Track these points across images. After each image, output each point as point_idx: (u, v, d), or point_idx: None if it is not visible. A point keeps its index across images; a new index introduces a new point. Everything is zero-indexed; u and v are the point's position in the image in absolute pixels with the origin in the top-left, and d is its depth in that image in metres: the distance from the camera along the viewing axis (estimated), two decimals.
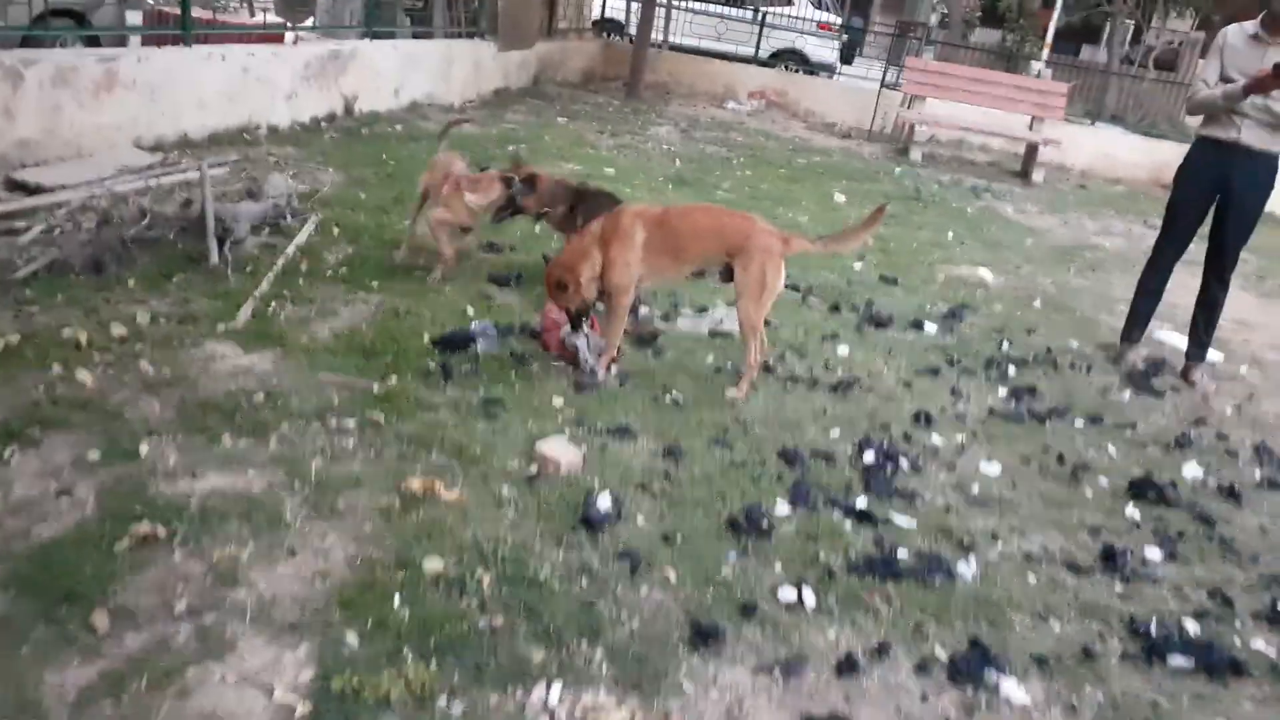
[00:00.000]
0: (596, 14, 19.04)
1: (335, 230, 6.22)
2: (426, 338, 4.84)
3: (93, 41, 7.73)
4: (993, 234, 9.40)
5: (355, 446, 3.73)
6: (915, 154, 13.12)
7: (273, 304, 4.96)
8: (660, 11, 16.71)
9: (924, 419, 4.87)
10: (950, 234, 9.05)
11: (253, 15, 11.99)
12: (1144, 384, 5.82)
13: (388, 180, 7.64)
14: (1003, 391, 5.42)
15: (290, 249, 5.70)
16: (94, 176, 6.16)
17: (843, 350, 5.63)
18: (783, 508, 3.79)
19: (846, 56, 21.33)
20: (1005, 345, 6.13)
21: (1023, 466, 4.57)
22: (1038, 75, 19.22)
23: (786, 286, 6.31)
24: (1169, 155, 14.47)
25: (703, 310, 5.93)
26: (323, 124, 9.17)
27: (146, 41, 8.24)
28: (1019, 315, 6.85)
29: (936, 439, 4.71)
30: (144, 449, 3.44)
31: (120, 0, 9.06)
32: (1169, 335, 6.71)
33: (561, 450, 3.79)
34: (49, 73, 6.25)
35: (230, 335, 4.53)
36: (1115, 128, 17.10)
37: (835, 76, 18.82)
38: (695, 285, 5.96)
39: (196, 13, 8.48)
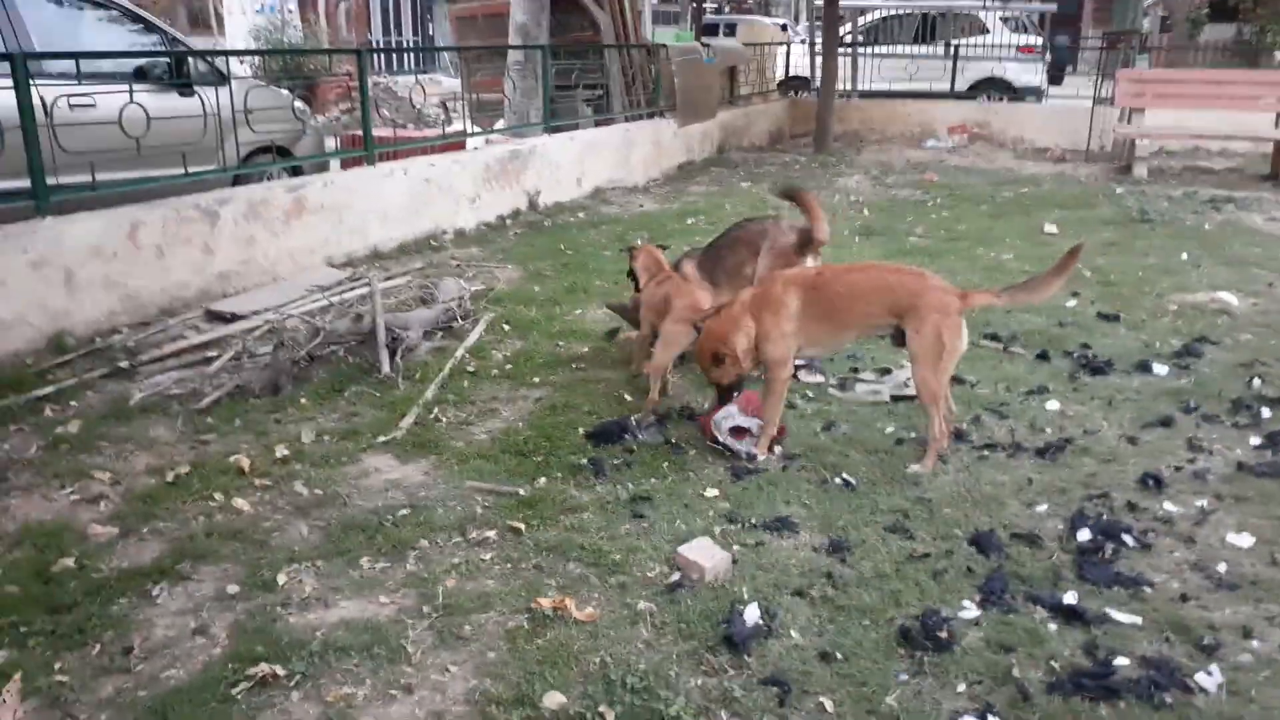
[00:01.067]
0: (782, 74, 18.87)
1: (505, 327, 6.23)
2: (582, 431, 4.65)
3: (296, 171, 8.32)
4: (1236, 250, 8.20)
5: (492, 560, 3.54)
6: (1140, 170, 11.88)
7: (435, 410, 4.95)
8: (844, 61, 16.29)
9: (1153, 482, 4.12)
10: (1184, 255, 7.97)
11: (445, 125, 12.65)
12: None
13: (564, 270, 7.66)
14: (1255, 440, 4.53)
15: (460, 351, 5.73)
16: (283, 300, 6.51)
17: (1052, 406, 4.93)
18: (969, 609, 3.23)
19: (1054, 77, 19.96)
20: (1256, 383, 5.18)
21: None
22: None
23: (985, 336, 5.75)
24: None
25: (885, 372, 5.41)
26: (507, 221, 9.41)
27: (345, 165, 8.77)
28: (1273, 344, 5.82)
29: (1170, 506, 3.95)
30: (282, 579, 3.40)
31: (318, 129, 9.76)
32: None
33: (706, 553, 3.44)
34: (242, 209, 6.72)
35: (389, 446, 4.53)
36: None
37: (1043, 100, 17.58)
38: (876, 344, 5.47)
39: (381, 131, 8.97)
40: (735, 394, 4.45)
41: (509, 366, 5.56)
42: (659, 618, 3.17)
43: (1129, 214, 9.64)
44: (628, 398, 5.06)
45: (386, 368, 5.43)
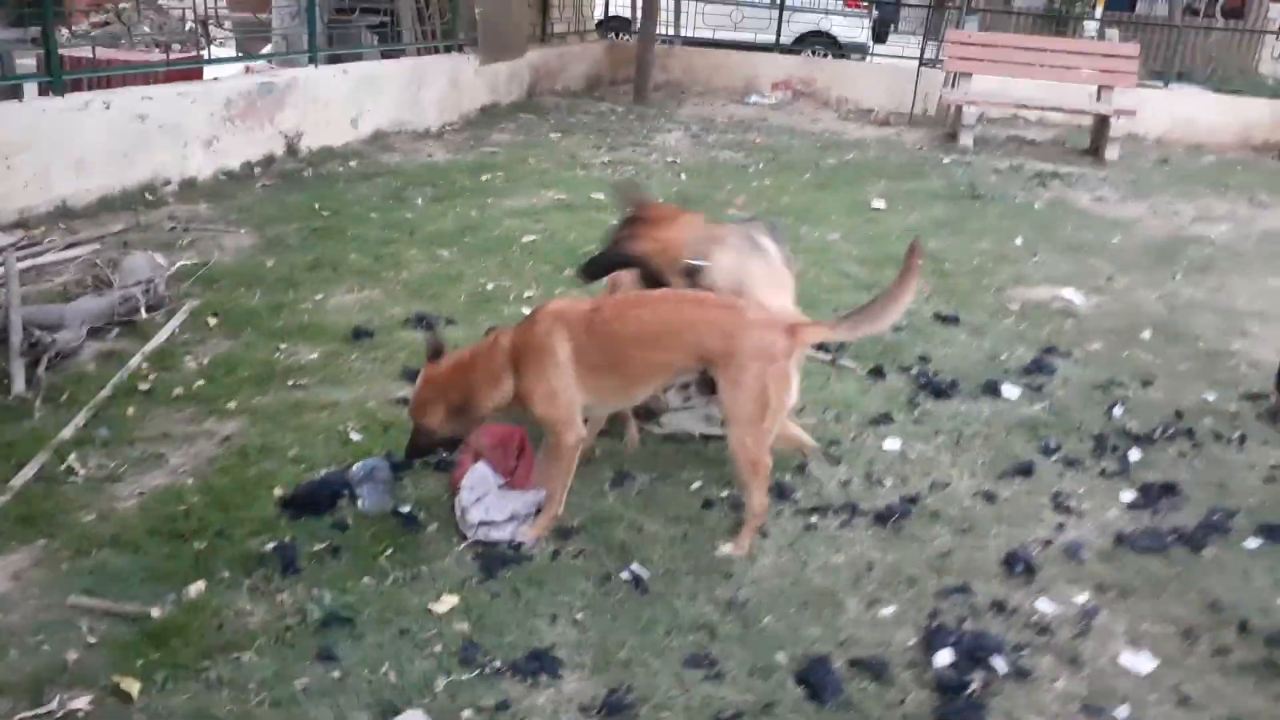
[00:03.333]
0: (600, 14, 17.50)
1: (211, 321, 4.75)
2: (277, 494, 3.33)
3: None
4: (1070, 234, 7.63)
5: None
6: (965, 139, 11.34)
7: (72, 455, 3.50)
8: (668, 3, 15.13)
9: (1022, 567, 3.23)
10: (1018, 240, 7.31)
11: (206, 48, 10.62)
12: None
13: (312, 237, 6.17)
14: (1127, 494, 3.74)
15: (135, 360, 4.23)
16: None
17: (892, 446, 4.00)
18: None
19: (880, 34, 19.49)
20: (1118, 411, 4.43)
21: (1184, 647, 2.91)
22: (1098, 37, 17.20)
23: (812, 346, 4.76)
24: (1255, 113, 12.57)
25: (687, 386, 4.30)
26: (255, 170, 7.74)
27: (42, 92, 6.86)
28: (1126, 356, 5.13)
29: (1044, 605, 3.07)
30: None
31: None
32: None
33: None
34: None
35: None
36: (1191, 87, 15.06)
37: (868, 58, 17.04)
38: None
39: (81, 52, 7.08)
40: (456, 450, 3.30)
41: (200, 383, 4.12)
42: None
43: (958, 188, 8.98)
44: (355, 438, 3.75)
45: (19, 385, 3.91)
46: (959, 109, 11.59)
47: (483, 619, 2.80)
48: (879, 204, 8.21)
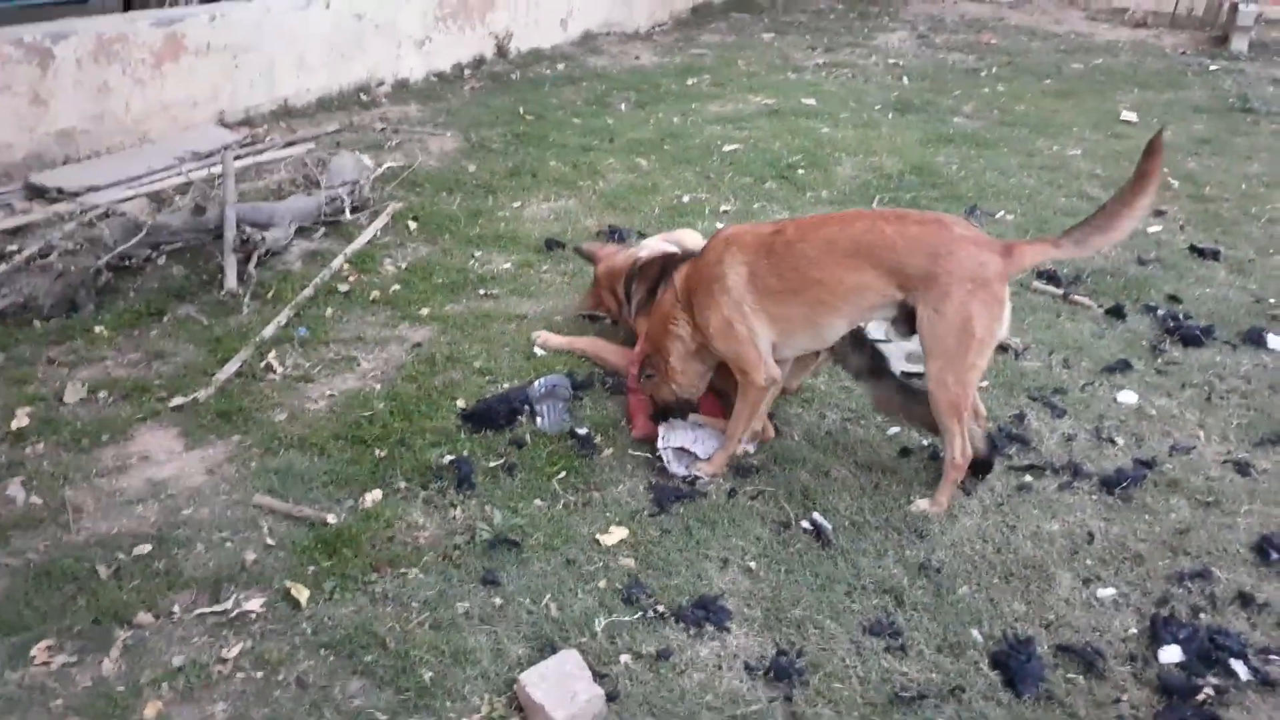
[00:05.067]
0: None
1: (411, 225, 4.78)
2: (459, 405, 3.30)
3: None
4: None
5: (231, 667, 2.26)
6: (1238, 42, 9.87)
7: (271, 353, 3.60)
8: None
9: (1277, 553, 2.75)
10: None
11: None
12: None
13: (513, 143, 6.10)
14: None
15: (338, 261, 4.32)
16: (144, 170, 5.08)
17: (1127, 399, 3.51)
18: None
19: None
20: None
21: None
22: None
23: (1039, 276, 4.30)
24: None
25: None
26: (465, 71, 7.76)
27: None
28: None
29: None
30: None
31: None
32: None
33: (563, 691, 2.13)
34: (89, 46, 5.20)
35: (182, 414, 3.21)
36: None
37: None
38: None
39: None
40: (682, 418, 3.10)
41: (396, 288, 4.15)
42: None
43: (1226, 100, 7.83)
44: (538, 352, 3.67)
45: (230, 280, 4.06)
46: (1233, 7, 10.08)
47: (650, 556, 2.65)
48: (1129, 116, 7.27)
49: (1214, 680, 2.35)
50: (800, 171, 5.75)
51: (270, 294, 4.04)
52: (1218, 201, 5.54)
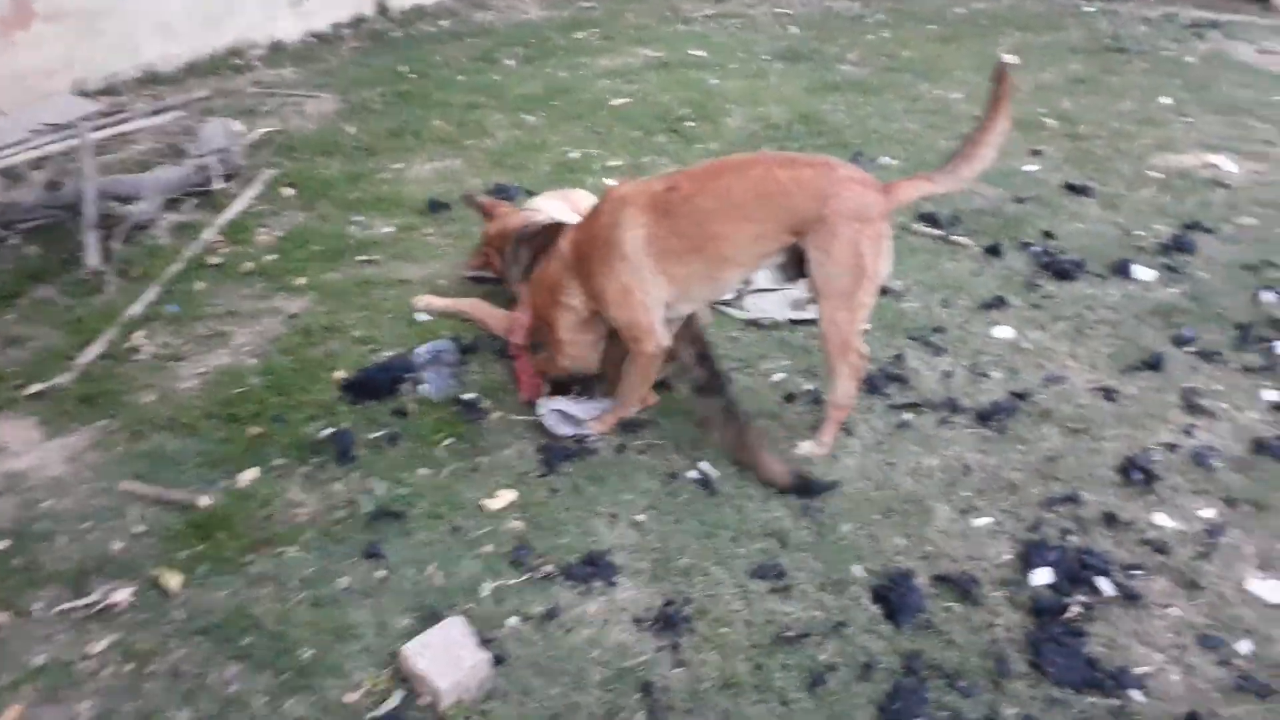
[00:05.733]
0: None
1: (287, 192, 4.61)
2: (337, 376, 3.21)
3: None
4: (1226, 92, 6.75)
5: (99, 661, 2.18)
6: None
7: (140, 332, 3.45)
8: None
9: (1140, 474, 2.87)
10: (1166, 99, 6.51)
11: None
12: None
13: (396, 102, 5.93)
14: (1270, 394, 3.30)
15: (209, 232, 4.15)
16: None
17: (1003, 333, 3.61)
18: None
19: None
20: (1267, 296, 3.89)
21: None
22: None
23: (920, 218, 4.38)
24: None
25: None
26: (344, 32, 7.50)
27: None
28: None
29: (1163, 520, 2.73)
30: None
31: None
32: None
33: (448, 658, 2.11)
34: None
35: (42, 401, 3.06)
36: None
37: None
38: None
39: None
40: (576, 391, 3.06)
41: (271, 258, 4.01)
42: None
43: (1100, 40, 8.06)
44: (421, 318, 3.59)
45: (92, 258, 3.86)
46: None
47: (539, 517, 2.64)
48: (1010, 58, 7.39)
49: (1082, 598, 2.45)
50: (689, 124, 5.73)
51: (138, 271, 3.86)
52: (1091, 140, 5.71)
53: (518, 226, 3.56)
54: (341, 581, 2.40)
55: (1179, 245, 4.30)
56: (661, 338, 2.83)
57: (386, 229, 4.31)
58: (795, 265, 2.83)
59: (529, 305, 3.05)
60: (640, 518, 2.66)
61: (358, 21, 7.68)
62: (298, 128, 5.40)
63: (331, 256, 4.04)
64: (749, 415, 2.93)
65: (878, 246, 2.74)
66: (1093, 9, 9.28)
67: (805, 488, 2.76)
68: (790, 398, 3.23)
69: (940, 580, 2.50)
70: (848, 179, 2.75)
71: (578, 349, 2.96)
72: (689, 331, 2.95)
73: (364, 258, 4.04)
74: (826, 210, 2.69)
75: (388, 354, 3.35)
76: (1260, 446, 3.02)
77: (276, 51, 6.87)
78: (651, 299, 2.78)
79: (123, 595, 2.31)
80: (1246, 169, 5.30)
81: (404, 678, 2.12)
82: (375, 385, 3.14)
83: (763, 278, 3.74)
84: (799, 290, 3.54)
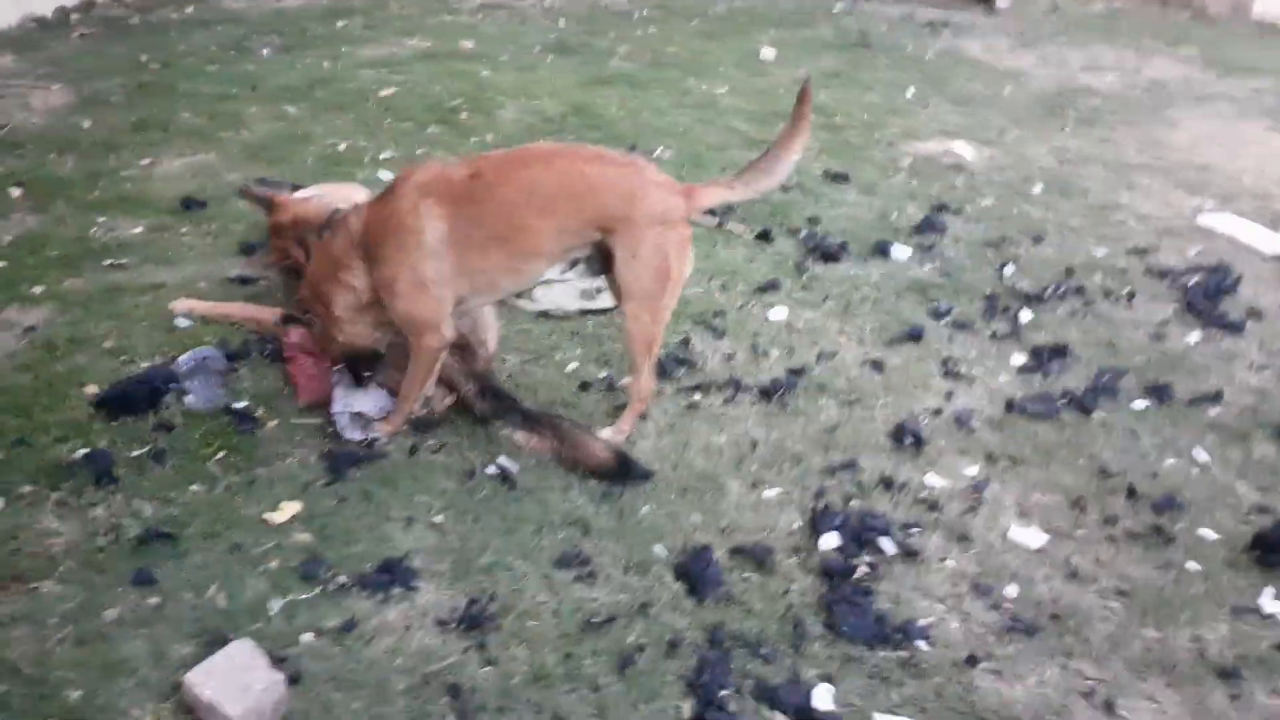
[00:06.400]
0: None
1: (14, 193, 4.14)
2: (90, 392, 2.91)
3: None
4: (961, 86, 7.39)
5: None
6: None
7: None
8: None
9: (910, 438, 3.08)
10: (910, 91, 7.04)
11: None
12: (1212, 312, 4.02)
13: (136, 95, 5.46)
14: (1019, 358, 3.63)
15: None
16: None
17: (778, 315, 3.78)
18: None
19: None
20: (1009, 270, 4.28)
21: (1074, 518, 2.83)
22: None
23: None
24: None
25: (575, 264, 3.99)
26: (72, 17, 6.83)
27: None
28: (1016, 213, 4.98)
29: (934, 480, 2.93)
30: None
31: None
32: (1224, 220, 4.89)
33: (236, 682, 1.95)
34: None
35: None
36: None
37: None
38: None
39: None
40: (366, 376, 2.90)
41: (1, 265, 3.58)
42: None
43: (849, 37, 8.60)
44: (181, 324, 3.32)
45: None
46: None
47: (327, 528, 2.50)
48: (769, 54, 7.78)
49: (867, 559, 2.59)
50: (462, 115, 5.62)
51: None
52: (846, 130, 6.07)
53: (319, 213, 3.32)
54: (109, 614, 2.18)
55: (930, 225, 4.65)
56: (446, 331, 2.75)
57: (135, 230, 3.96)
58: (599, 260, 2.81)
59: (306, 274, 2.85)
60: (438, 519, 2.58)
61: (87, 5, 7.03)
62: (23, 122, 4.87)
63: (72, 262, 3.66)
64: (552, 414, 2.91)
65: (682, 251, 2.79)
66: (839, 7, 9.89)
67: (627, 469, 2.77)
68: (585, 386, 3.23)
69: (737, 552, 2.58)
70: (654, 181, 2.77)
71: (355, 327, 2.80)
72: (467, 367, 2.88)
73: (111, 261, 3.69)
74: (634, 212, 2.69)
75: (145, 365, 3.07)
76: (1011, 406, 3.31)
77: None
78: (445, 293, 2.68)
79: None
80: (983, 155, 5.81)
81: (189, 709, 1.95)
82: (133, 399, 2.87)
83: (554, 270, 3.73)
84: (588, 281, 3.56)
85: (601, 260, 2.83)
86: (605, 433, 2.94)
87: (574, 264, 3.10)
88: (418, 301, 2.67)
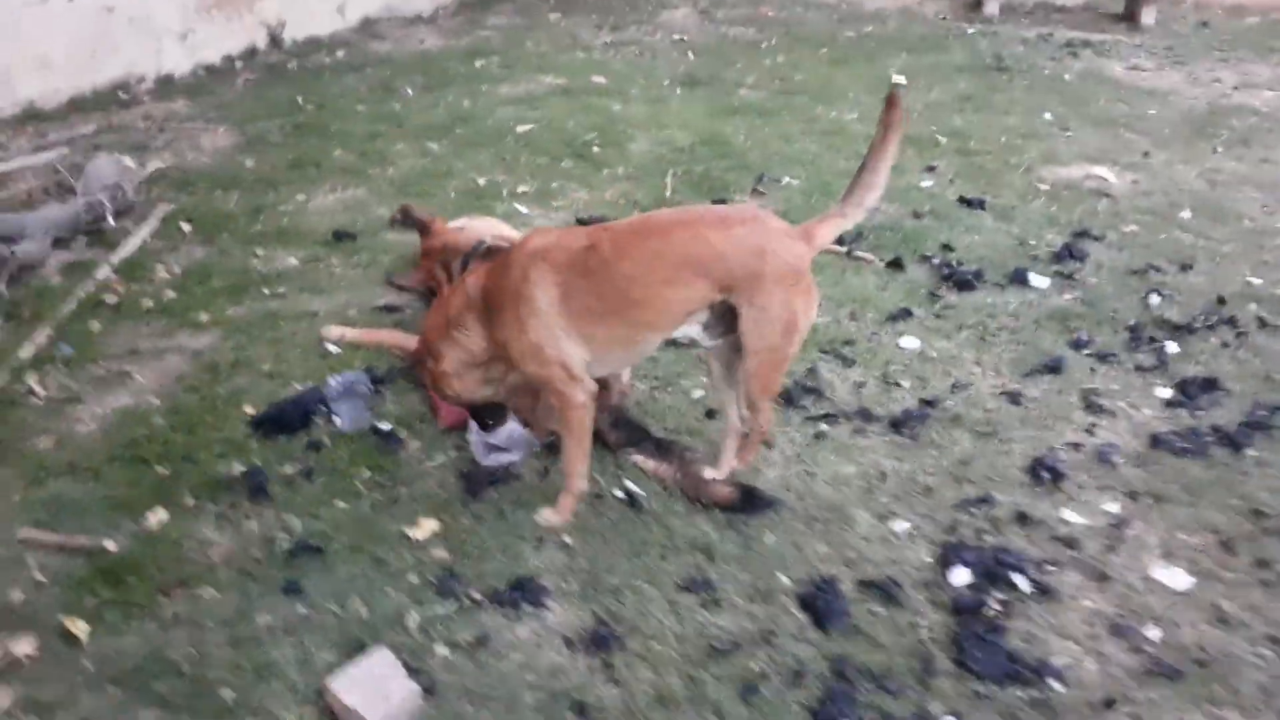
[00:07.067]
0: None
1: (185, 227, 4.48)
2: (251, 411, 3.12)
3: None
4: (1103, 107, 7.13)
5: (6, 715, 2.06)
6: (990, 7, 10.64)
7: (33, 375, 3.29)
8: None
9: (1048, 473, 2.98)
10: (1047, 114, 6.83)
11: None
12: None
13: (295, 134, 5.83)
14: (1164, 391, 3.46)
15: (102, 271, 4.00)
16: None
17: (910, 344, 3.72)
18: None
19: None
20: (1155, 299, 4.10)
21: (1223, 560, 2.67)
22: None
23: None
24: None
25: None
26: (237, 64, 7.35)
27: None
28: (1164, 239, 4.76)
29: (1071, 515, 2.83)
30: None
31: None
32: None
33: (376, 690, 2.06)
34: None
35: None
36: None
37: None
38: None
39: None
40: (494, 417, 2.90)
41: (171, 295, 3.89)
42: None
43: (983, 61, 8.42)
44: (333, 350, 3.52)
45: None
46: None
47: (463, 545, 2.60)
48: (899, 79, 7.70)
49: (1000, 596, 2.52)
50: (595, 149, 5.77)
51: (27, 314, 3.69)
52: (981, 154, 5.94)
53: (468, 242, 3.46)
54: (262, 620, 2.32)
55: (1070, 253, 4.50)
56: (590, 386, 2.68)
57: (291, 261, 4.22)
58: (721, 321, 2.74)
59: (423, 328, 2.91)
60: (568, 539, 2.64)
61: (251, 53, 7.54)
62: (193, 162, 5.26)
63: (235, 291, 3.93)
64: (682, 448, 2.95)
65: (809, 300, 2.70)
66: (973, 30, 9.69)
67: (750, 502, 2.77)
68: (711, 414, 3.26)
69: (864, 585, 2.54)
70: (778, 230, 2.68)
71: (463, 383, 2.76)
72: (601, 399, 2.83)
73: (269, 291, 3.95)
74: (763, 268, 2.60)
75: (298, 388, 3.27)
76: (1156, 441, 3.16)
77: (166, 85, 6.69)
78: (571, 349, 2.63)
79: (25, 648, 2.20)
80: (1126, 179, 5.59)
81: (332, 713, 2.06)
82: (287, 420, 3.06)
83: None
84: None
85: (719, 317, 2.74)
86: (726, 467, 2.94)
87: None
88: (543, 363, 2.62)
